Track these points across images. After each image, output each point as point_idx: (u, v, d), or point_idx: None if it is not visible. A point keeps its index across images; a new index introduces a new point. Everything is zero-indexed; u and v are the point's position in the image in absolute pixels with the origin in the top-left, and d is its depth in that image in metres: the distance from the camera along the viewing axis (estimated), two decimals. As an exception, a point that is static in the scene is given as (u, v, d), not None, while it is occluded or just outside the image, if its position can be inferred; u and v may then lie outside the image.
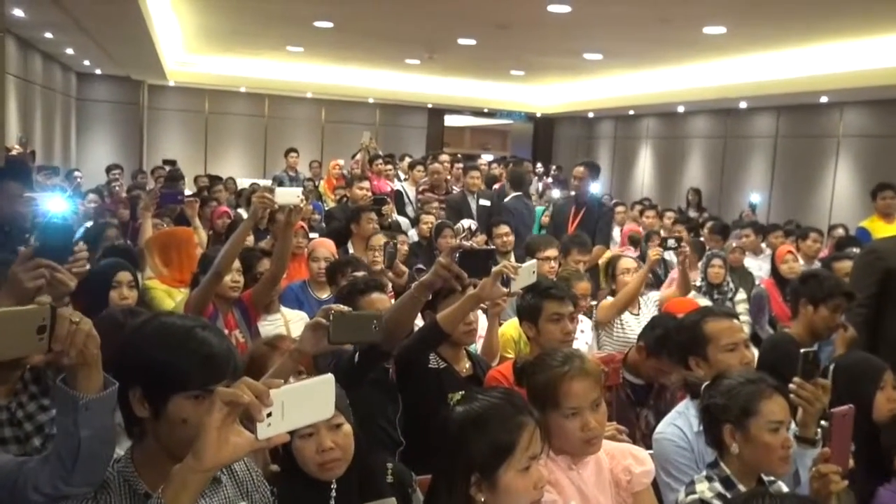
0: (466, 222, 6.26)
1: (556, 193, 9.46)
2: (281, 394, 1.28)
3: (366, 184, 6.90)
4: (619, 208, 9.28)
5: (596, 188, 6.56)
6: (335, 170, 10.26)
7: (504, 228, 5.52)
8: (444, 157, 9.04)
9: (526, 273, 2.56)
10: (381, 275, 4.16)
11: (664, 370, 3.05)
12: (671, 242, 4.62)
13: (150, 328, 1.57)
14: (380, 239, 4.78)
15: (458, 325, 2.66)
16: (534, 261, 2.71)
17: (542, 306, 2.99)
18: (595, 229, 6.14)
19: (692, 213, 11.01)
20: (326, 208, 8.28)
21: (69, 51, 11.91)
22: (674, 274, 5.19)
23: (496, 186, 8.84)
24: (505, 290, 2.51)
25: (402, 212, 7.73)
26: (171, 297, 4.12)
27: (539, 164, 14.52)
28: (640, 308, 4.46)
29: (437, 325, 2.56)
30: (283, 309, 4.01)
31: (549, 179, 12.59)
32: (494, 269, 2.47)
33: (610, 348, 4.18)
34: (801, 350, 2.31)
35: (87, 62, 13.36)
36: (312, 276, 4.53)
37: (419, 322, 3.05)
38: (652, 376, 3.12)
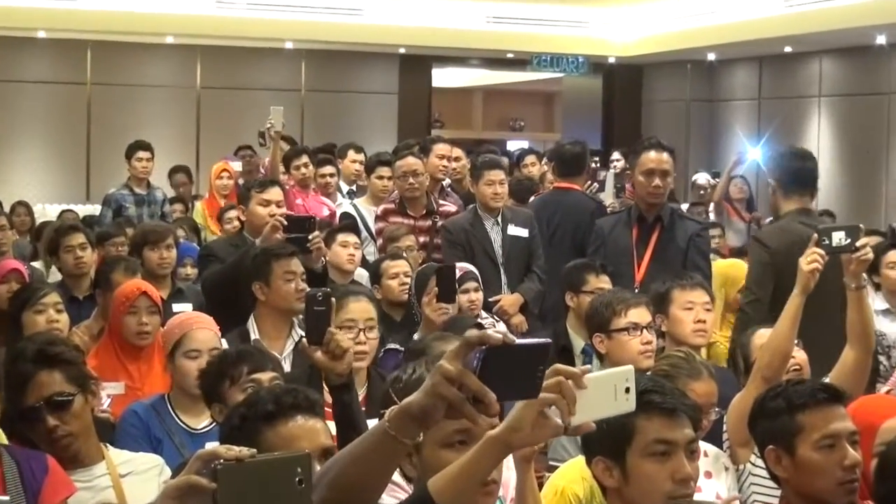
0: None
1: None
2: None
3: (274, 193, 6.81)
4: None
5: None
6: (222, 179, 10.29)
7: None
8: (442, 149, 9.01)
9: (602, 389, 2.40)
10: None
11: None
12: (839, 237, 4.54)
13: None
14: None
15: (470, 496, 2.61)
16: (629, 367, 2.57)
17: (634, 429, 3.04)
18: (684, 263, 6.29)
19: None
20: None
21: None
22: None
23: (533, 199, 8.90)
24: (559, 423, 2.38)
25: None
26: None
27: (616, 154, 14.57)
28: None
29: (431, 500, 2.49)
30: (115, 452, 4.06)
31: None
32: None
33: (767, 498, 4.25)
34: None
35: None
36: (178, 385, 4.61)
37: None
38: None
